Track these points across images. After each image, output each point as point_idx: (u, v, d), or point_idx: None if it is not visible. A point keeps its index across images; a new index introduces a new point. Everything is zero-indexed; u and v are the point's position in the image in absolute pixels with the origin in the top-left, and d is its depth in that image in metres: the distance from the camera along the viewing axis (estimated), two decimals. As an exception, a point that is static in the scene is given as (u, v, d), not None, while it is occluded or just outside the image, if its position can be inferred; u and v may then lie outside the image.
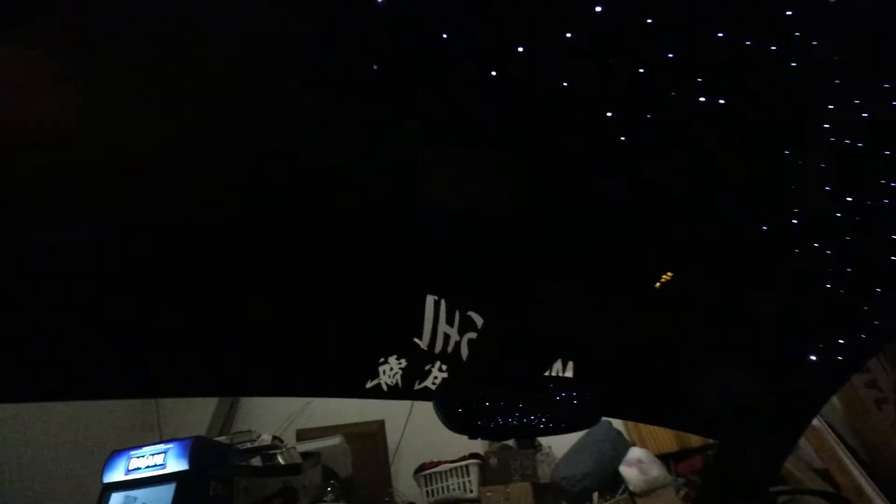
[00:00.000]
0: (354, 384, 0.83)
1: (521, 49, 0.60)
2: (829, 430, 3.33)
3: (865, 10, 0.62)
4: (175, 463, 2.74)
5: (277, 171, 0.71)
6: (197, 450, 2.75)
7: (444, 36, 0.58)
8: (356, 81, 0.64)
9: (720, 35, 0.61)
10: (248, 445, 3.19)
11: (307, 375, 0.81)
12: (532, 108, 0.65)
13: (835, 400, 3.44)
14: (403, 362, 0.85)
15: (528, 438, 0.90)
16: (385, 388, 0.84)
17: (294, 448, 3.34)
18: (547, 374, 0.90)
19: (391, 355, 0.85)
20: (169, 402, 4.08)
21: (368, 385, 0.83)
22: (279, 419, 4.10)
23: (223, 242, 0.71)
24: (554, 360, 0.90)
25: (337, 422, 3.94)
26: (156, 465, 2.75)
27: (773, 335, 1.04)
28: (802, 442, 3.39)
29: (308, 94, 0.64)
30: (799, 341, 1.03)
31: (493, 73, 0.62)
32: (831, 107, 0.72)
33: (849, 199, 0.86)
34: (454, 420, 0.78)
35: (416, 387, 0.86)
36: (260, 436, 3.32)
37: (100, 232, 0.63)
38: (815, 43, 0.61)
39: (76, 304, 0.64)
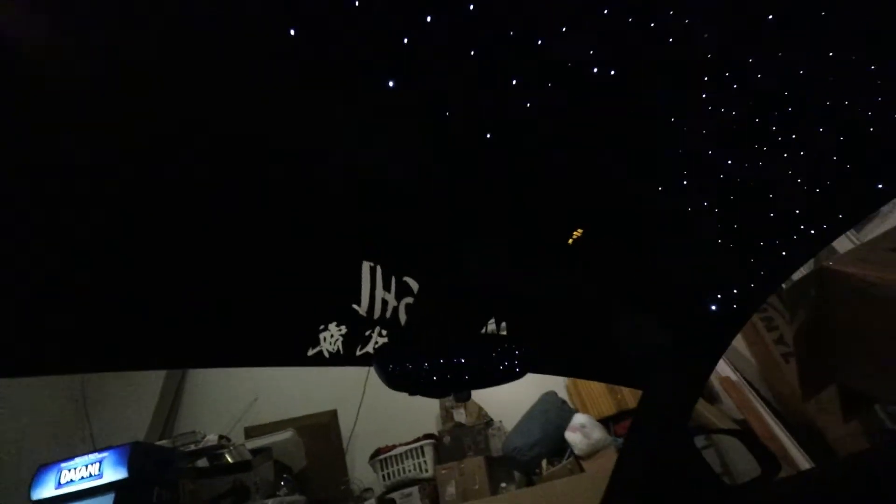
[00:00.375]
0: (296, 352, 0.86)
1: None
2: (746, 384, 3.71)
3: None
4: (112, 472, 2.60)
5: (206, 145, 0.72)
6: (136, 456, 2.62)
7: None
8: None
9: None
10: (193, 447, 3.08)
11: (247, 345, 0.82)
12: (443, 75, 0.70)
13: (750, 356, 3.83)
14: (344, 329, 0.88)
15: (463, 391, 0.96)
16: (327, 354, 0.87)
17: (243, 446, 3.26)
18: (481, 331, 0.97)
19: (331, 322, 0.88)
20: (99, 410, 3.84)
21: (310, 353, 0.86)
22: (225, 419, 3.98)
23: (165, 216, 0.72)
24: (486, 320, 0.97)
25: (287, 416, 3.88)
26: (91, 476, 2.59)
27: (677, 290, 1.17)
28: (723, 395, 3.75)
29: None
30: (700, 293, 1.17)
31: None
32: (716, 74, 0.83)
33: (733, 161, 0.99)
34: (394, 378, 0.82)
35: (358, 352, 0.90)
36: (205, 436, 3.21)
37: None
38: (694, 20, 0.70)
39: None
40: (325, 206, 0.81)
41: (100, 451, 2.69)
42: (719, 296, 1.19)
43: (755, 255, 1.15)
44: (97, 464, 2.62)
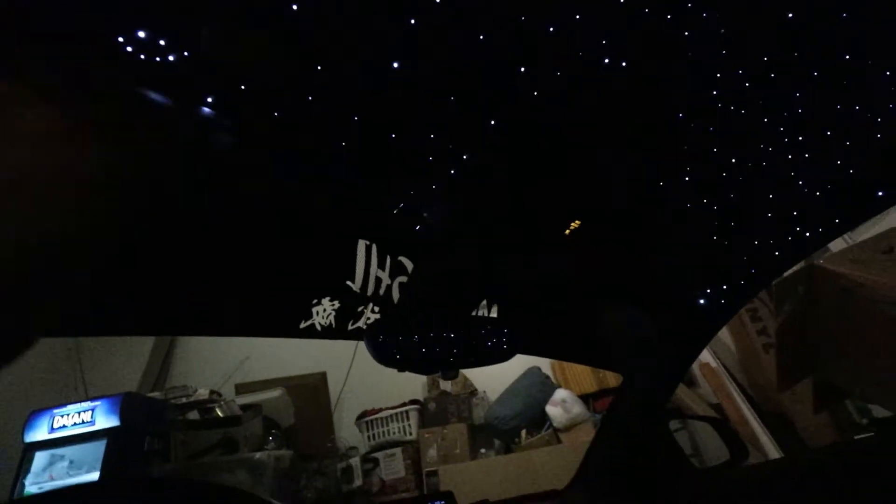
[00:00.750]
0: (289, 324, 0.87)
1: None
2: (725, 371, 3.82)
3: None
4: (104, 419, 2.66)
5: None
6: (128, 405, 2.69)
7: None
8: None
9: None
10: (185, 400, 3.15)
11: (241, 315, 0.84)
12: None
13: (731, 344, 3.92)
14: (337, 304, 0.90)
15: (450, 370, 0.99)
16: (319, 327, 0.88)
17: (233, 401, 3.34)
18: (472, 312, 0.98)
19: (324, 297, 0.89)
20: (93, 361, 3.89)
21: (302, 325, 0.87)
22: (216, 376, 4.05)
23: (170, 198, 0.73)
24: (478, 302, 0.99)
25: (277, 376, 3.96)
26: (83, 423, 2.66)
27: (668, 282, 1.19)
28: (702, 380, 3.86)
29: None
30: (690, 287, 1.18)
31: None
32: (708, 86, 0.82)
33: (734, 160, 0.99)
34: (384, 355, 0.84)
35: (350, 327, 0.91)
36: (196, 391, 3.28)
37: None
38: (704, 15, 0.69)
39: None
40: (324, 186, 0.80)
41: (92, 399, 2.75)
42: (709, 290, 1.21)
43: (748, 252, 1.16)
44: (90, 411, 2.68)
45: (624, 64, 0.70)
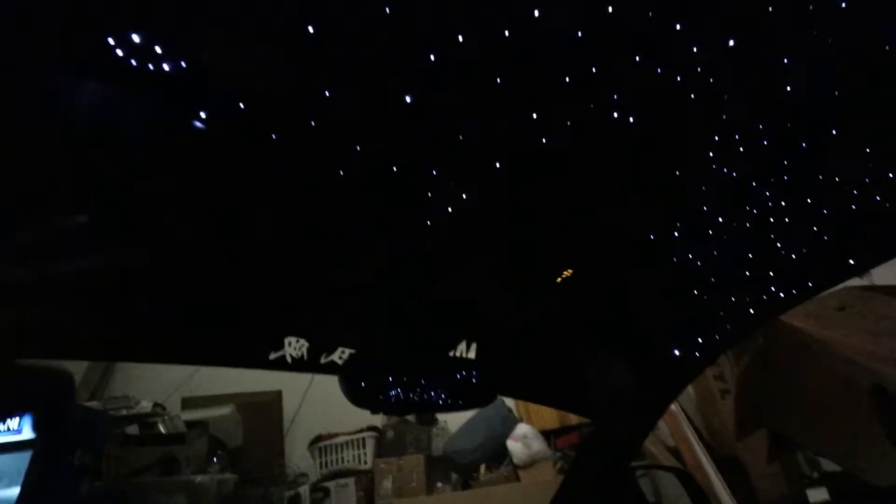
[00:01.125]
0: (258, 355, 0.81)
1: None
2: (682, 415, 3.87)
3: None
4: (32, 429, 2.44)
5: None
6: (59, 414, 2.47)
7: None
8: None
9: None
10: (125, 412, 2.94)
11: (207, 343, 0.77)
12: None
13: (689, 388, 4.00)
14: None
15: (426, 414, 0.94)
16: (290, 359, 0.82)
17: (178, 416, 3.13)
18: (450, 353, 0.94)
19: (295, 328, 0.83)
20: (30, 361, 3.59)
21: (272, 356, 0.81)
22: (163, 387, 3.80)
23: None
24: (458, 342, 0.95)
25: (228, 391, 3.75)
26: (9, 431, 2.43)
27: (646, 332, 1.19)
28: (660, 423, 3.91)
29: None
30: (666, 338, 1.19)
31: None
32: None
33: (723, 219, 1.01)
34: (358, 395, 0.79)
35: (323, 360, 0.86)
36: (139, 402, 3.06)
37: None
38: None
39: None
40: (313, 213, 0.76)
41: (20, 406, 2.52)
42: (685, 342, 1.21)
43: (724, 308, 1.18)
44: (17, 418, 2.45)
45: (632, 120, 0.70)
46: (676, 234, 0.95)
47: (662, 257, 1.01)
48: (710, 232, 0.97)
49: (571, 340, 1.12)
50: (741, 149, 0.84)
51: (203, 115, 0.56)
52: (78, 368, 3.79)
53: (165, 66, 0.48)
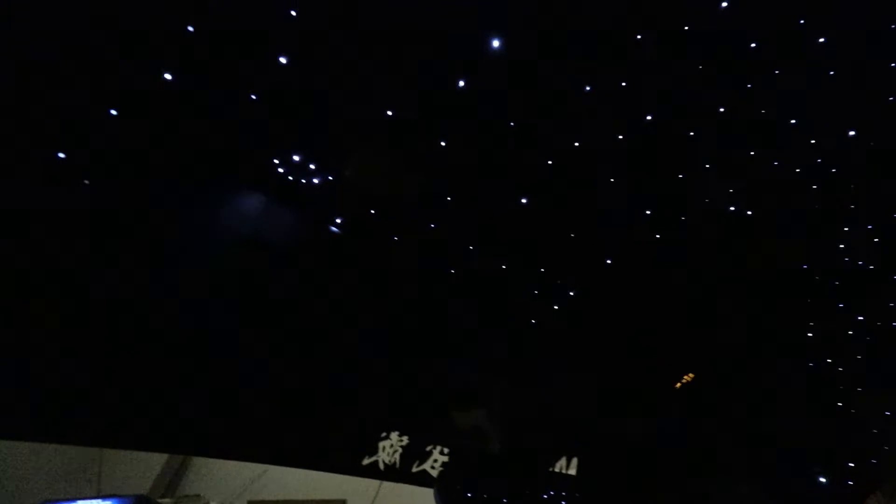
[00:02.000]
0: (351, 460, 0.78)
1: None
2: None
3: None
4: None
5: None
6: (137, 508, 2.47)
7: None
8: None
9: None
10: (195, 512, 2.88)
11: (302, 446, 0.76)
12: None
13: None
14: (405, 440, 0.80)
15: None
16: (382, 466, 0.79)
17: (243, 520, 3.02)
18: (550, 468, 0.85)
19: (393, 430, 0.81)
20: (112, 457, 3.74)
21: (365, 462, 0.78)
22: (232, 486, 3.75)
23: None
24: (559, 456, 0.86)
25: (294, 495, 3.61)
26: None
27: (787, 453, 1.01)
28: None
29: None
30: (811, 461, 1.00)
31: None
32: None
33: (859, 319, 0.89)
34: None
35: (415, 469, 0.81)
36: (208, 502, 3.02)
37: None
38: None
39: None
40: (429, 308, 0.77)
41: (103, 497, 2.58)
42: (833, 468, 1.02)
43: (881, 427, 0.99)
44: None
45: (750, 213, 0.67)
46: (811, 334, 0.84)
47: (800, 368, 0.89)
48: (853, 334, 0.85)
49: (694, 466, 0.97)
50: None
51: (338, 220, 0.61)
52: (156, 463, 3.88)
53: (315, 180, 0.55)
